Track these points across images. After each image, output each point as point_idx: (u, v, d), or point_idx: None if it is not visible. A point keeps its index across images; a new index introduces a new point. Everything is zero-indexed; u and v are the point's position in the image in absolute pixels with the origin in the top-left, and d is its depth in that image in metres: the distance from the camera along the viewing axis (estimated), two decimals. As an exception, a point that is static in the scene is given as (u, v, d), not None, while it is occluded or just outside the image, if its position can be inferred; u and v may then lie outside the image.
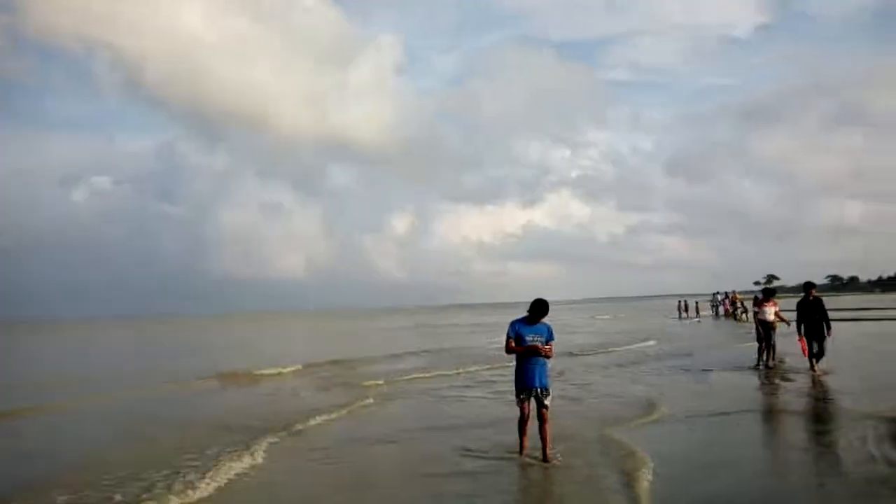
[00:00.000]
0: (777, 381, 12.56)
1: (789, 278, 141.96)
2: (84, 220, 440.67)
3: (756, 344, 15.61)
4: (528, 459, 6.91)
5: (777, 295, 15.63)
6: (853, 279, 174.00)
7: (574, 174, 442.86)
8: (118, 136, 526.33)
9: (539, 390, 6.78)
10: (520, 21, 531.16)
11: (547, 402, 6.81)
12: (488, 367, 16.65)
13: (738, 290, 47.67)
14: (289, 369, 17.78)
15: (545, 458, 6.77)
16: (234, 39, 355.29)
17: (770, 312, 14.47)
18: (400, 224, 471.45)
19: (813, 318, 12.67)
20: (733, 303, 42.24)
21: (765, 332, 14.59)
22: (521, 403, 6.88)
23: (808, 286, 13.10)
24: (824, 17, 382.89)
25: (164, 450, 8.17)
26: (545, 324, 6.86)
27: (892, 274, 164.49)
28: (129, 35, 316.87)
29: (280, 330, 55.53)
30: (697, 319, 42.97)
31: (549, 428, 6.84)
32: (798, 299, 13.34)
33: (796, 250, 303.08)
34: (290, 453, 8.00)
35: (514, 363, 6.94)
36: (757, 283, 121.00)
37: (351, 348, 26.29)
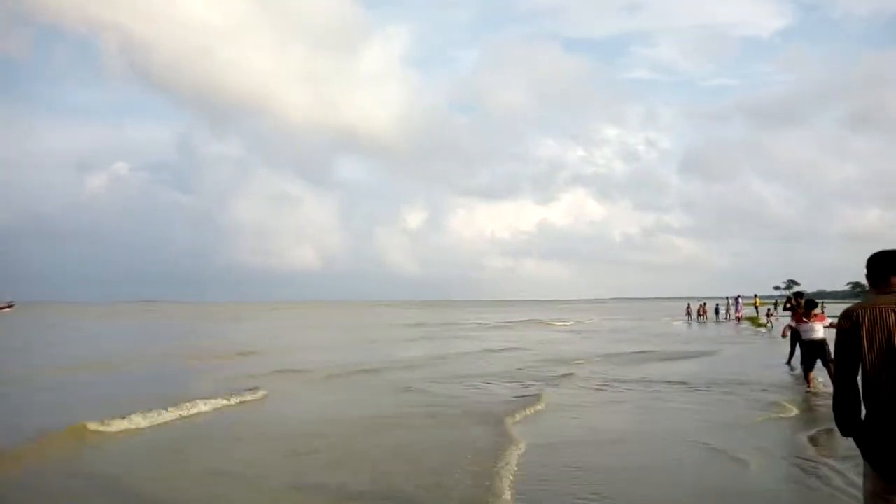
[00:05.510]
0: None
1: (808, 284, 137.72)
2: (97, 207, 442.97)
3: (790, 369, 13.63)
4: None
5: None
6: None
7: (589, 171, 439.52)
8: (123, 122, 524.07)
9: None
10: (536, 18, 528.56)
11: None
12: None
13: (758, 294, 45.37)
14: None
15: None
16: (240, 22, 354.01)
17: (819, 329, 10.90)
18: (412, 217, 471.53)
19: None
20: (756, 307, 40.10)
21: (816, 352, 10.91)
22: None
23: None
24: (846, 21, 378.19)
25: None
26: None
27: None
28: (132, 16, 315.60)
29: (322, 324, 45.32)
30: (699, 322, 41.13)
31: None
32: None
33: (814, 255, 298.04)
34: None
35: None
36: (777, 288, 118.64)
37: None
